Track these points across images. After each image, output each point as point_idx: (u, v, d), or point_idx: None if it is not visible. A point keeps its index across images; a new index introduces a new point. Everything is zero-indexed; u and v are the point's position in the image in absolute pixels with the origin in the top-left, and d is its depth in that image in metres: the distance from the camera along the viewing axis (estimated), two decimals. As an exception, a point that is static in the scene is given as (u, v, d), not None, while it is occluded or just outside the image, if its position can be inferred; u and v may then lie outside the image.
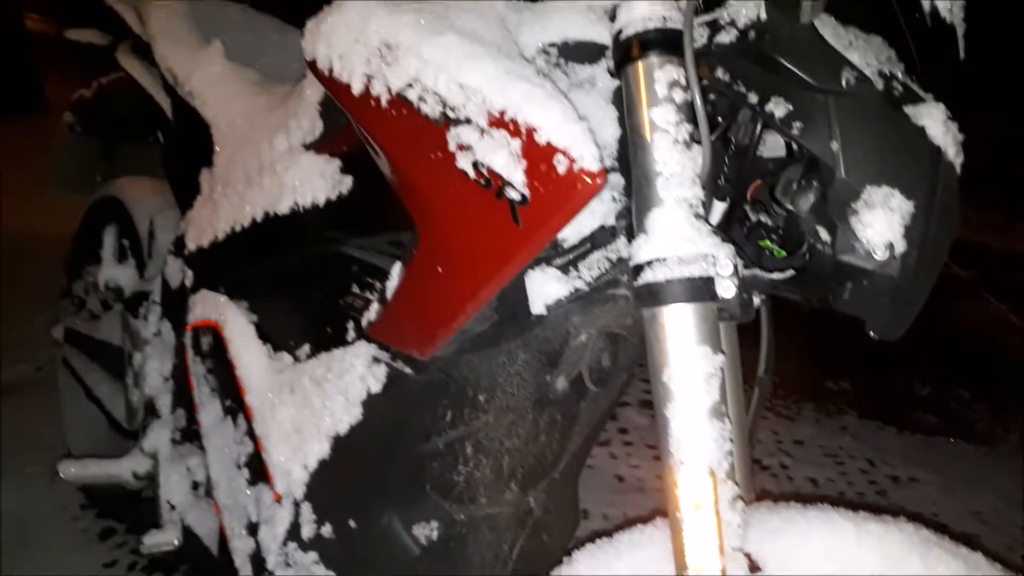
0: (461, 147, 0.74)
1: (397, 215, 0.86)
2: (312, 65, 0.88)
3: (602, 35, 0.83)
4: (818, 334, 2.64)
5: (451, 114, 0.74)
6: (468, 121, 0.73)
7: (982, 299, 3.96)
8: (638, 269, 0.71)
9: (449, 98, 0.75)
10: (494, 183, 0.72)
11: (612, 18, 0.85)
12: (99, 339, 1.66)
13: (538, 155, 0.69)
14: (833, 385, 2.95)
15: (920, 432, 2.70)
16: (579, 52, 0.84)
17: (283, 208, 1.04)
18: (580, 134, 0.69)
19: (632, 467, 2.24)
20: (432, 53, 0.76)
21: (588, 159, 0.67)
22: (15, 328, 2.73)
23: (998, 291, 4.04)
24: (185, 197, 1.41)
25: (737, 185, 0.82)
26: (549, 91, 0.72)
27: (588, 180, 0.67)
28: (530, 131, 0.70)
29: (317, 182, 0.99)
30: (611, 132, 0.82)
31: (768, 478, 2.31)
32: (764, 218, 0.81)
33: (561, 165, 0.68)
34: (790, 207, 0.76)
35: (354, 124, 0.86)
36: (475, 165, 0.73)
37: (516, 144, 0.70)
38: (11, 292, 2.97)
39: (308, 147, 1.04)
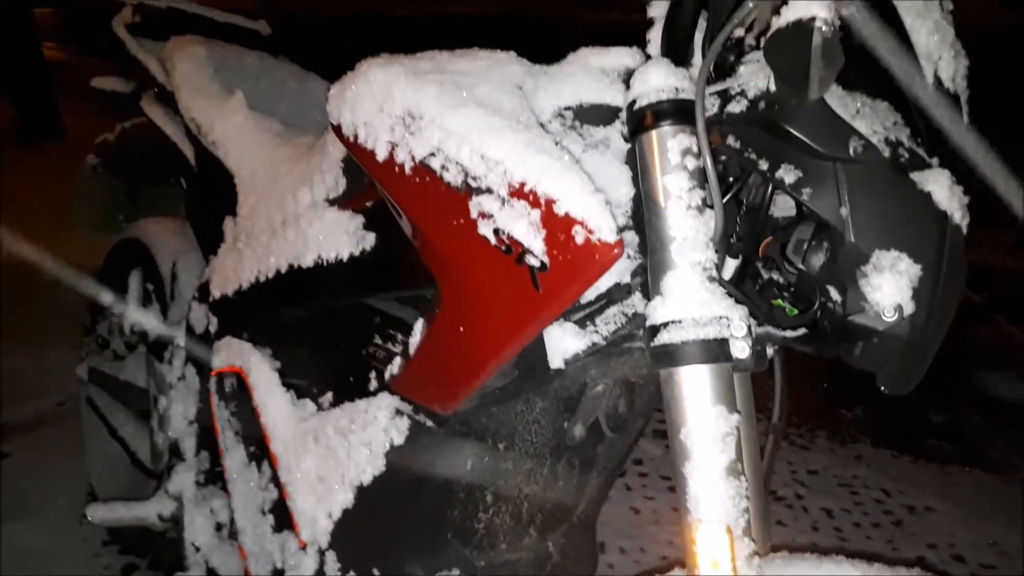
0: (483, 215, 0.77)
1: (419, 272, 0.89)
2: (337, 130, 0.92)
3: (614, 98, 0.87)
4: (830, 361, 2.65)
5: (473, 183, 0.77)
6: (489, 190, 0.76)
7: (995, 322, 3.95)
8: (654, 330, 0.73)
9: (471, 168, 0.78)
10: (515, 250, 0.75)
11: (625, 82, 0.88)
12: (123, 380, 1.70)
13: (557, 225, 0.72)
14: (847, 412, 2.95)
15: (935, 460, 2.69)
16: (593, 115, 0.87)
17: (307, 261, 1.07)
18: (597, 206, 0.71)
19: (648, 499, 2.25)
20: (454, 124, 0.79)
21: (605, 231, 0.70)
22: (31, 363, 2.77)
23: (1011, 314, 4.03)
24: (208, 242, 1.45)
25: (749, 242, 0.84)
26: (566, 164, 0.75)
27: (605, 251, 0.70)
28: (549, 202, 0.72)
29: (341, 237, 1.02)
30: (625, 191, 0.85)
31: (783, 509, 2.31)
32: (776, 275, 0.84)
33: (579, 235, 0.71)
34: (801, 266, 0.79)
35: (377, 186, 0.89)
36: (496, 232, 0.76)
37: (536, 214, 0.73)
38: (27, 326, 3.01)
39: (332, 202, 1.08)
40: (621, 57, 0.91)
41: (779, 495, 2.38)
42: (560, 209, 0.72)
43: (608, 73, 0.89)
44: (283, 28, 2.09)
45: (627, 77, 0.88)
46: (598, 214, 0.71)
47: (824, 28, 0.63)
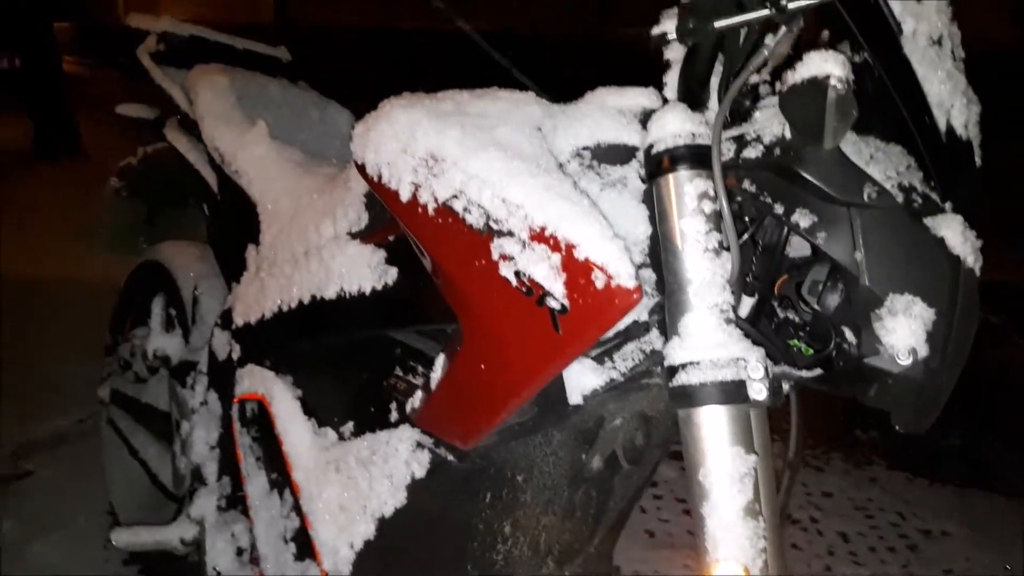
0: (504, 256, 0.79)
1: (440, 307, 0.90)
2: (361, 169, 0.94)
3: (631, 137, 0.88)
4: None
5: (495, 226, 0.79)
6: (511, 233, 0.78)
7: (1012, 342, 3.93)
8: (673, 370, 0.75)
9: (493, 211, 0.80)
10: (535, 292, 0.76)
11: (642, 122, 0.90)
12: (145, 402, 1.72)
13: (577, 270, 0.73)
14: (862, 434, 2.95)
15: (951, 483, 2.68)
16: (610, 154, 0.89)
17: (330, 293, 1.09)
18: (616, 252, 0.73)
19: (662, 521, 2.26)
20: (476, 168, 0.81)
21: (624, 276, 0.72)
22: (49, 380, 2.80)
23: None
24: (230, 269, 1.47)
25: (765, 280, 0.86)
26: (586, 209, 0.76)
27: (624, 296, 0.71)
28: (569, 246, 0.74)
29: (363, 271, 1.04)
30: (642, 229, 0.86)
31: (798, 532, 2.31)
32: (791, 314, 0.85)
33: (599, 280, 0.72)
34: (816, 307, 0.80)
35: (400, 224, 0.92)
36: (517, 274, 0.78)
37: (556, 258, 0.75)
38: (45, 342, 3.04)
39: (354, 236, 1.10)
40: (638, 97, 0.93)
41: (794, 518, 2.37)
42: (580, 254, 0.74)
43: (625, 113, 0.91)
44: (298, 41, 2.13)
45: (644, 117, 0.90)
46: (617, 260, 0.72)
47: (839, 85, 0.65)
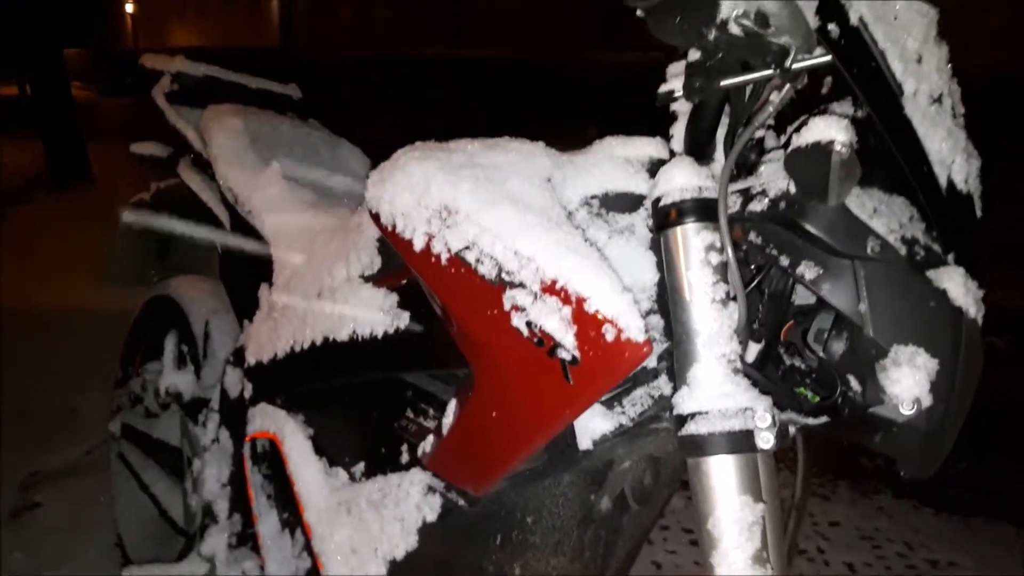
0: (516, 307, 0.80)
1: (452, 352, 0.92)
2: (375, 218, 0.96)
3: (639, 186, 0.91)
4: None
5: (507, 277, 0.81)
6: (522, 285, 0.80)
7: (1020, 368, 3.92)
8: (681, 420, 0.77)
9: (505, 263, 0.82)
10: (547, 343, 0.78)
11: (649, 171, 0.92)
12: (156, 438, 1.74)
13: (588, 322, 0.75)
14: (867, 462, 2.95)
15: (958, 512, 2.67)
16: (619, 203, 0.92)
17: (342, 336, 1.11)
18: (626, 306, 0.75)
19: (669, 552, 2.26)
20: (489, 220, 0.83)
21: (634, 330, 0.74)
22: (58, 410, 2.82)
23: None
24: (243, 306, 1.49)
25: (771, 327, 0.88)
26: (596, 262, 0.78)
27: (634, 350, 0.73)
28: (580, 300, 0.76)
29: (376, 315, 1.06)
30: (650, 276, 0.88)
31: (805, 563, 2.30)
32: (798, 362, 0.87)
33: (609, 333, 0.74)
34: (822, 355, 0.82)
35: (414, 273, 0.94)
36: (529, 325, 0.79)
37: (567, 310, 0.77)
38: (54, 371, 3.06)
39: (367, 279, 1.12)
40: (645, 147, 0.95)
41: (801, 548, 2.37)
42: (591, 307, 0.76)
43: (632, 163, 0.93)
44: (303, 68, 2.15)
45: (651, 167, 0.93)
46: (627, 314, 0.74)
47: (842, 150, 0.67)
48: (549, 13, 9.67)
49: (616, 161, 0.94)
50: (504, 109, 7.88)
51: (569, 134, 5.13)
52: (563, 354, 0.77)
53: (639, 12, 0.72)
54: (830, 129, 0.68)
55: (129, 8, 31.43)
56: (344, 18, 15.92)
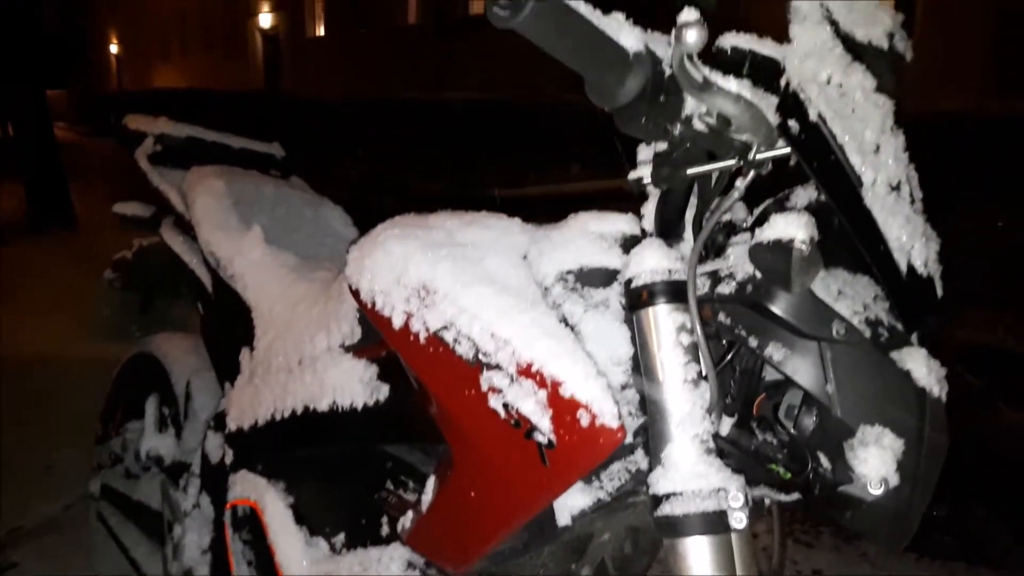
0: (492, 389, 0.82)
1: (431, 426, 0.93)
2: (355, 294, 0.98)
3: (612, 261, 0.93)
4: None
5: (483, 358, 0.83)
6: (499, 367, 0.82)
7: (998, 408, 3.95)
8: (657, 500, 0.78)
9: (482, 344, 0.83)
10: (523, 425, 0.80)
11: (622, 247, 0.95)
12: (136, 500, 1.73)
13: (563, 407, 0.77)
14: (850, 508, 2.96)
15: (939, 557, 2.68)
16: (593, 278, 0.94)
17: (323, 405, 1.12)
18: (600, 391, 0.77)
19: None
20: (466, 301, 0.85)
21: (608, 416, 0.75)
22: (34, 466, 2.78)
23: (1015, 399, 4.03)
24: (224, 368, 1.50)
25: (743, 401, 0.90)
26: (570, 347, 0.80)
27: (608, 436, 0.75)
28: (555, 384, 0.78)
29: (355, 385, 1.07)
30: (625, 350, 0.90)
31: (789, 613, 2.30)
32: (770, 436, 0.89)
33: (584, 418, 0.76)
34: (793, 431, 0.84)
35: (393, 350, 0.95)
36: (506, 407, 0.81)
37: (543, 394, 0.78)
38: (30, 426, 3.03)
39: (347, 349, 1.13)
40: (617, 223, 0.98)
41: (785, 598, 2.37)
42: (566, 391, 0.77)
43: (606, 238, 0.96)
44: (287, 108, 2.17)
45: (623, 242, 0.95)
46: (601, 399, 0.76)
47: (803, 247, 0.70)
48: (531, 59, 9.82)
49: (590, 237, 0.96)
50: (489, 151, 7.96)
51: (552, 173, 5.19)
52: (539, 437, 0.79)
53: (606, 109, 0.75)
54: (790, 227, 0.71)
55: (114, 49, 31.62)
56: (328, 59, 16.10)
